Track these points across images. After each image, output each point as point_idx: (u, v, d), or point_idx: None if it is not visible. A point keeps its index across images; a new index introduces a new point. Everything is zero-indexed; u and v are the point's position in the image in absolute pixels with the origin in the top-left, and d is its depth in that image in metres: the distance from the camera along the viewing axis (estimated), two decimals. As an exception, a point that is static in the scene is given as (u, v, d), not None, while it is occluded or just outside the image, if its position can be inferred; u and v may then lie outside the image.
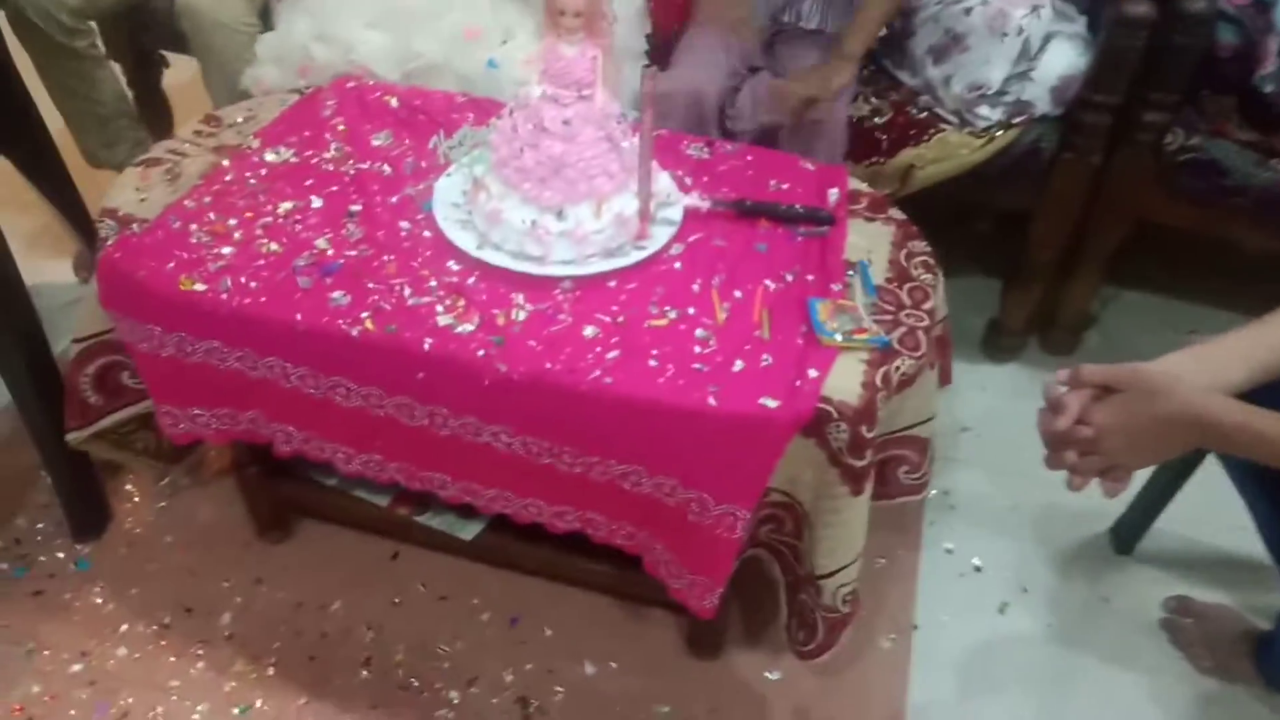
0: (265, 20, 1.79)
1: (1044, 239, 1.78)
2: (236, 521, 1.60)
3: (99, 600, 1.51)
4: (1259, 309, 1.04)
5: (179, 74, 2.29)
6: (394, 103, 1.53)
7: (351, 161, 1.40)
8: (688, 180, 1.41)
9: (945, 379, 1.47)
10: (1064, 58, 1.65)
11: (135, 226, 1.27)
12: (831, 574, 1.20)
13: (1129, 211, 1.74)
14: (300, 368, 1.18)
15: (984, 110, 1.66)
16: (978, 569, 1.62)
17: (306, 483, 1.49)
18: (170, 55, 2.20)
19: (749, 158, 1.48)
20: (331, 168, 1.39)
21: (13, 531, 1.60)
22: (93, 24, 1.88)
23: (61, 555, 1.57)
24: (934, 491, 1.73)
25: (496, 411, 1.15)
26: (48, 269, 2.00)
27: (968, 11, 1.66)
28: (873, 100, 1.76)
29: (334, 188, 1.35)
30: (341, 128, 1.47)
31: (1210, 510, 1.48)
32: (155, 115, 2.23)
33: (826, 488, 1.16)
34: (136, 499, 1.66)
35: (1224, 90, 1.69)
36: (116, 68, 2.13)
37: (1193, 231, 1.77)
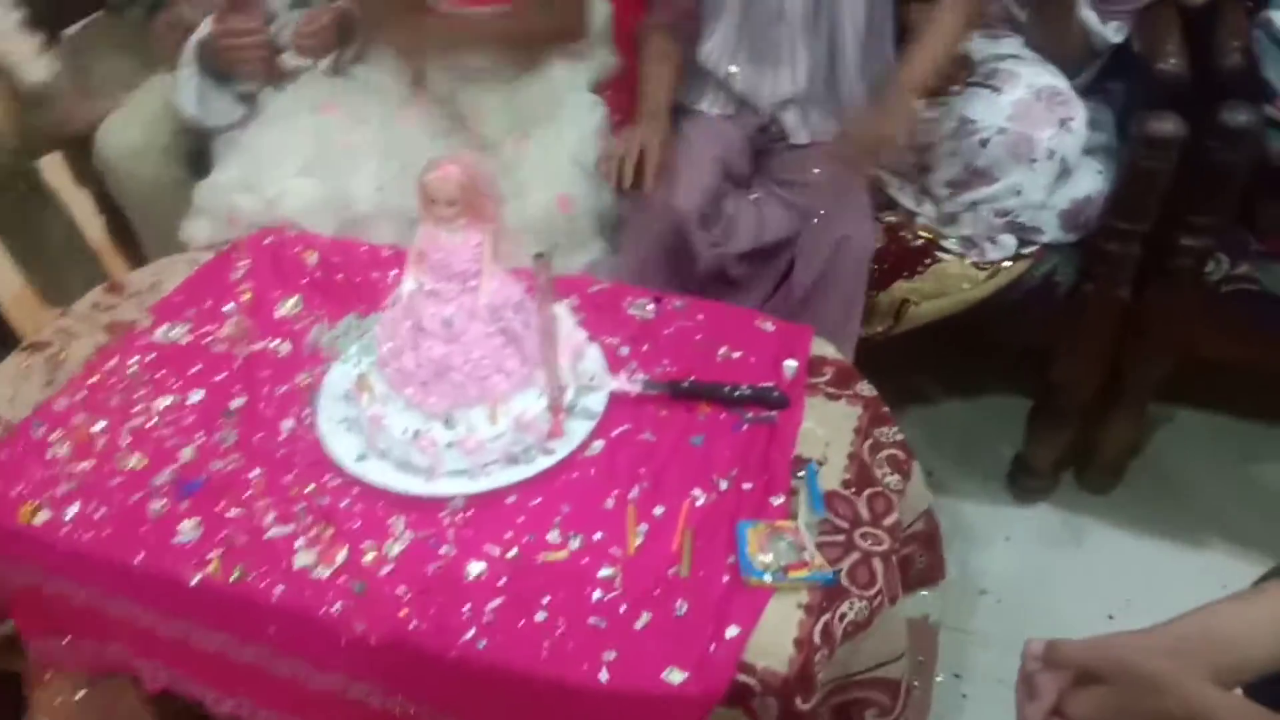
0: (200, 166, 1.67)
1: (1072, 380, 1.54)
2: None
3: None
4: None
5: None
6: (312, 260, 1.38)
7: (247, 340, 1.25)
8: (624, 350, 1.23)
9: (936, 575, 1.24)
10: (1076, 178, 1.41)
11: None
12: None
13: (1172, 348, 1.49)
14: (149, 610, 1.03)
15: (1004, 239, 1.43)
16: (993, 784, 1.37)
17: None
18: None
19: (700, 317, 1.28)
20: (224, 348, 1.25)
21: (-74, 722, 1.49)
22: (38, 164, 1.80)
23: (-32, 754, 1.45)
24: (941, 678, 1.49)
25: (361, 670, 0.97)
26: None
27: (984, 143, 1.42)
28: (865, 222, 1.55)
29: (221, 375, 1.20)
30: (247, 295, 1.32)
31: None
32: (126, 241, 2.14)
33: (761, 759, 0.95)
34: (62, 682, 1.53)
35: (1281, 197, 1.44)
36: (84, 196, 2.06)
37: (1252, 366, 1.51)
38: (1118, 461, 1.69)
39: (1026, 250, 1.44)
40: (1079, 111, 1.40)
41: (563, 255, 1.53)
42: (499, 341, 1.04)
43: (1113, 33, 1.47)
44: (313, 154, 1.55)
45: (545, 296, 0.99)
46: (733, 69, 1.59)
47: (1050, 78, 1.42)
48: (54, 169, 1.97)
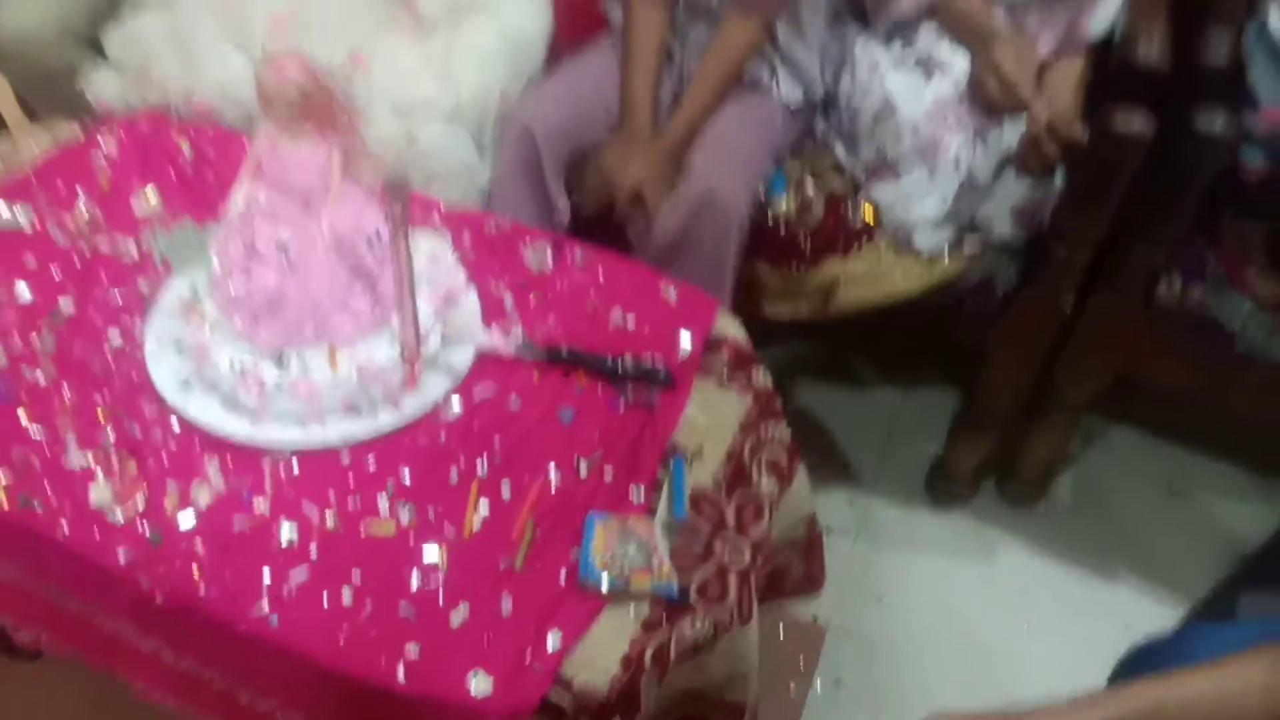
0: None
1: (998, 387, 1.44)
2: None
3: None
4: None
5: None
6: (186, 150, 1.24)
7: (92, 233, 1.12)
8: (508, 300, 1.11)
9: (813, 586, 1.16)
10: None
11: None
12: None
13: (1108, 365, 1.39)
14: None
15: (920, 240, 1.31)
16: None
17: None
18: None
19: (599, 271, 1.16)
20: (67, 241, 1.12)
21: None
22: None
23: None
24: (820, 681, 1.43)
25: (150, 627, 0.88)
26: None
27: (898, 136, 1.29)
28: (809, 186, 1.42)
29: (56, 272, 1.08)
30: (105, 183, 1.19)
31: None
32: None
33: (575, 773, 0.87)
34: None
35: (1254, 215, 1.32)
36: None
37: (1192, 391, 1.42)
38: (1041, 475, 1.60)
39: (969, 247, 1.32)
40: (1001, 123, 1.27)
41: (484, 160, 1.39)
42: (346, 276, 0.92)
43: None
44: (236, 21, 1.38)
45: (399, 228, 0.87)
46: None
47: None
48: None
